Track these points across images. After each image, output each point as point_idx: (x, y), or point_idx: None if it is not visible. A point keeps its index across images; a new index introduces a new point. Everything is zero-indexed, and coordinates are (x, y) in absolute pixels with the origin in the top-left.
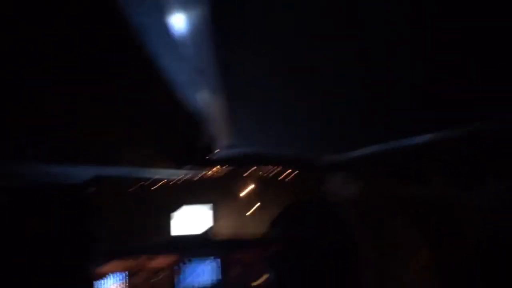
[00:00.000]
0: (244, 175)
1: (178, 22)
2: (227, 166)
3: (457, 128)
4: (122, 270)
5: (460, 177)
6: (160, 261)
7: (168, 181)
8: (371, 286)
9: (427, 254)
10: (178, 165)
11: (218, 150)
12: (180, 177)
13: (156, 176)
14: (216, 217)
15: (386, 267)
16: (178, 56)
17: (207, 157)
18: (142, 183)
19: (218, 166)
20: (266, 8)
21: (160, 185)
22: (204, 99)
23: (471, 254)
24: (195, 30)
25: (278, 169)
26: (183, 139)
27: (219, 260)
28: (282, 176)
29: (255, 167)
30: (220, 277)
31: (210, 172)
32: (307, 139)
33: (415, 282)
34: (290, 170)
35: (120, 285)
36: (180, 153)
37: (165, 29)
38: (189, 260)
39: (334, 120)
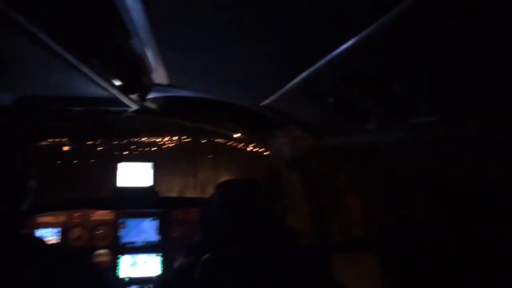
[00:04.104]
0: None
1: None
2: (165, 112)
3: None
4: (57, 223)
5: (388, 110)
6: (100, 216)
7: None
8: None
9: (363, 202)
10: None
11: (154, 89)
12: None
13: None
14: (156, 176)
15: (326, 221)
16: None
17: (146, 92)
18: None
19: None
20: None
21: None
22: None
23: (402, 192)
24: None
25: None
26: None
27: (160, 218)
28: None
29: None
30: (161, 235)
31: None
32: (249, 81)
33: (353, 227)
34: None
35: (55, 239)
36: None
37: None
38: (130, 216)
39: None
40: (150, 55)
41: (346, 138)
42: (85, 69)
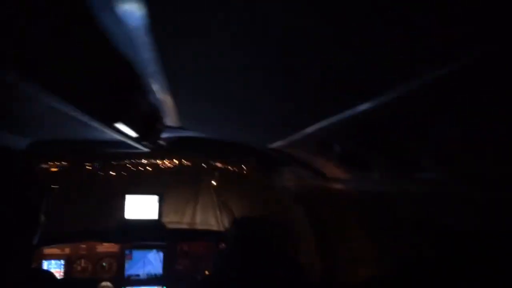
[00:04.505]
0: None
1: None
2: (176, 151)
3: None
4: (63, 255)
5: (393, 167)
6: (105, 248)
7: (120, 164)
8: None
9: (368, 243)
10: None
11: (166, 130)
12: (134, 152)
13: (107, 149)
14: (162, 208)
15: (332, 260)
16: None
17: (158, 137)
18: (92, 163)
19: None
20: None
21: (110, 168)
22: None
23: (407, 239)
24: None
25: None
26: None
27: (165, 250)
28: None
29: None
30: (165, 267)
31: (159, 162)
32: (255, 125)
33: (358, 268)
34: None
35: (59, 271)
36: (136, 127)
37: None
38: (135, 248)
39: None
40: (164, 104)
41: (351, 183)
42: (106, 129)
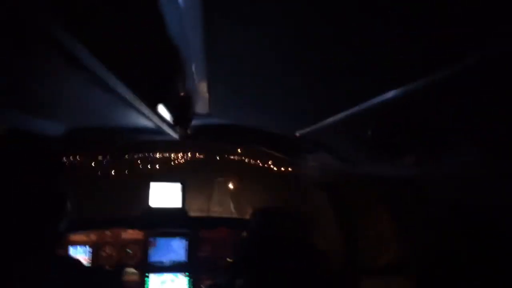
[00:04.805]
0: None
1: None
2: (205, 138)
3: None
4: (89, 242)
5: (427, 147)
6: (130, 235)
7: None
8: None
9: (395, 229)
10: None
11: (197, 118)
12: (165, 138)
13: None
14: (185, 196)
15: (355, 248)
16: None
17: (189, 124)
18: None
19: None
20: None
21: (135, 157)
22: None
23: (436, 222)
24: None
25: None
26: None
27: (188, 238)
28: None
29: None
30: (189, 255)
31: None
32: (282, 111)
33: (385, 253)
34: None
35: (85, 257)
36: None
37: None
38: (159, 236)
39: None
40: (198, 91)
41: (379, 169)
42: (147, 111)
